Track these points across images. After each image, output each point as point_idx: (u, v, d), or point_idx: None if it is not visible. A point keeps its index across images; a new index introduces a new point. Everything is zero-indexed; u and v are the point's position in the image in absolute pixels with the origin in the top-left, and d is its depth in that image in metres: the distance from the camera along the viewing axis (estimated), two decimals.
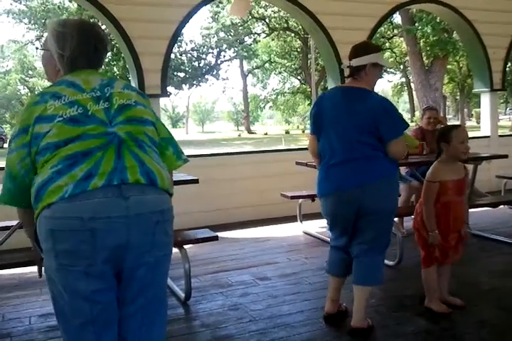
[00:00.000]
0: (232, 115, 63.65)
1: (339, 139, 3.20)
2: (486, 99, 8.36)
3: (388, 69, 40.61)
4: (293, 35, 33.01)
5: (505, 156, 5.72)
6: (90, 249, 1.84)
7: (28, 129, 1.93)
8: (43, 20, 27.89)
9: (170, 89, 31.39)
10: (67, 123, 1.92)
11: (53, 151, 1.90)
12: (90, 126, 1.93)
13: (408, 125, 3.29)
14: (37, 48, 2.03)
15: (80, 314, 1.91)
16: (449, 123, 6.40)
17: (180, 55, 32.95)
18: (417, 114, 32.93)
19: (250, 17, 29.80)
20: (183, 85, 35.11)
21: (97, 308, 1.91)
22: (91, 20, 2.29)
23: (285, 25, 30.83)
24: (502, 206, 5.41)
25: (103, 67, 24.96)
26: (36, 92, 2.04)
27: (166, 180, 2.03)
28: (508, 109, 50.13)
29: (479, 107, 9.95)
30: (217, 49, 35.62)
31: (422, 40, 21.01)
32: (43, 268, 2.00)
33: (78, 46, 2.09)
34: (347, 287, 3.48)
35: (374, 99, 3.22)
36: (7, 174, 2.01)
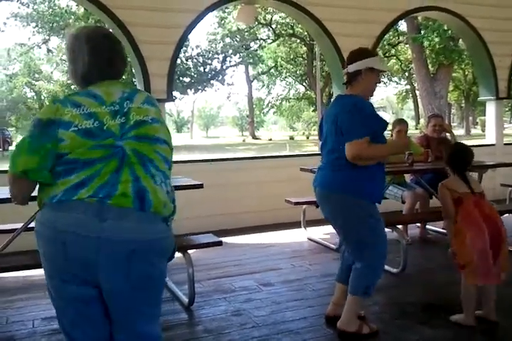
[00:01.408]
0: (236, 120, 63.69)
1: (322, 146, 3.42)
2: (491, 108, 8.35)
3: (393, 78, 40.67)
4: (298, 41, 33.06)
5: (511, 164, 5.71)
6: (63, 259, 1.89)
7: (54, 121, 1.95)
8: (51, 24, 28.01)
9: (175, 93, 31.40)
10: (81, 135, 1.93)
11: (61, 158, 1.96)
12: (101, 139, 1.95)
13: (367, 133, 3.11)
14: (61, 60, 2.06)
15: (66, 314, 2.01)
16: (453, 131, 6.40)
17: (186, 60, 33.01)
18: (422, 121, 32.92)
19: (256, 23, 29.88)
20: (188, 90, 35.16)
21: (80, 310, 1.97)
22: (104, 29, 2.27)
23: (291, 31, 30.88)
24: (507, 214, 5.37)
25: None
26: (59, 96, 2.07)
27: (163, 204, 1.96)
28: None
29: (484, 115, 9.95)
30: (223, 54, 35.67)
31: (427, 48, 21.01)
32: None
33: (90, 60, 2.10)
34: None
35: (344, 101, 3.29)
36: (27, 146, 1.94)
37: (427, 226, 6.12)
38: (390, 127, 6.12)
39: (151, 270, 1.94)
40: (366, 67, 3.26)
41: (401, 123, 6.01)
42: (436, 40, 19.19)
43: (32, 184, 2.00)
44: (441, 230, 5.96)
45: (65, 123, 1.94)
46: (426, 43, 19.78)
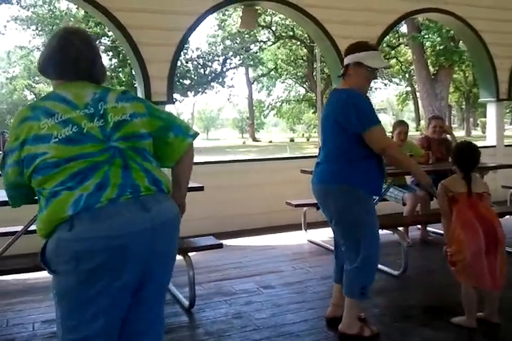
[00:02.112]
0: (237, 122, 63.71)
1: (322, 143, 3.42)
2: (492, 109, 8.35)
3: (393, 79, 40.69)
4: (299, 43, 33.09)
5: (511, 166, 5.71)
6: (120, 264, 1.87)
7: (23, 146, 1.91)
8: (51, 27, 28.02)
9: (175, 96, 31.45)
10: (64, 143, 1.90)
11: (53, 169, 1.89)
12: (88, 144, 1.93)
13: (375, 122, 3.14)
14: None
15: (93, 326, 1.90)
16: (454, 132, 6.39)
17: (186, 62, 33.00)
18: (423, 123, 32.93)
19: (256, 25, 29.90)
20: (189, 92, 35.16)
21: (110, 321, 1.94)
22: (78, 29, 2.24)
23: (291, 33, 30.90)
24: (508, 216, 5.37)
25: (109, 73, 24.84)
26: (27, 105, 1.97)
27: (169, 184, 2.11)
28: None
29: (485, 117, 9.94)
30: (223, 56, 35.68)
31: (428, 49, 21.02)
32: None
33: (55, 56, 2.09)
34: None
35: (338, 96, 3.26)
36: (8, 186, 2.07)
37: (428, 228, 6.11)
38: (390, 129, 6.14)
39: (176, 242, 2.14)
40: (354, 62, 3.25)
41: (401, 124, 6.02)
42: (438, 40, 19.19)
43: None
44: (442, 232, 5.94)
45: (43, 137, 1.90)
46: (428, 43, 19.76)
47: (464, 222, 3.35)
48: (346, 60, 3.31)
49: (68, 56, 2.07)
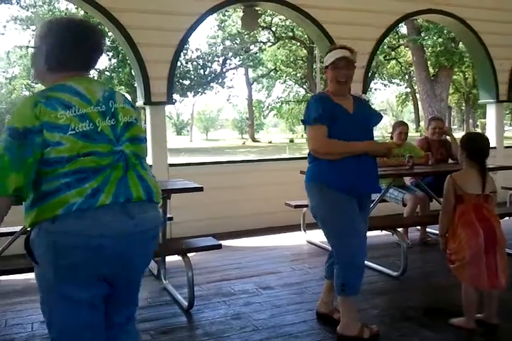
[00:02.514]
0: (236, 123, 63.74)
1: None
2: (491, 111, 8.35)
3: (393, 80, 40.70)
4: (298, 44, 33.10)
5: (511, 167, 5.70)
6: (93, 264, 1.94)
7: (33, 131, 1.86)
8: None
9: (175, 96, 31.44)
10: (80, 138, 1.91)
11: (64, 164, 1.89)
12: (101, 144, 1.95)
13: (310, 121, 3.29)
14: (27, 47, 1.92)
15: (77, 319, 1.99)
16: (454, 134, 6.39)
17: (186, 62, 33.00)
18: (422, 124, 32.93)
19: (258, 26, 29.89)
20: (188, 93, 35.17)
21: (94, 312, 2.02)
22: (83, 20, 2.21)
23: (291, 34, 30.91)
24: (507, 218, 5.37)
25: (109, 73, 24.85)
26: (34, 94, 1.93)
27: (160, 194, 2.18)
28: None
29: (484, 118, 9.94)
30: (223, 57, 35.71)
31: (428, 50, 21.02)
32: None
33: (71, 46, 2.05)
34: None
35: None
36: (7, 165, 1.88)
37: (428, 229, 6.11)
38: (390, 129, 6.15)
39: (152, 250, 2.19)
40: (324, 66, 3.45)
41: (401, 125, 6.03)
42: (439, 40, 19.19)
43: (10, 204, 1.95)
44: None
45: (60, 126, 1.89)
46: (429, 43, 19.73)
47: (465, 222, 3.35)
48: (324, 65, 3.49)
49: (88, 48, 2.09)
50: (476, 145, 3.46)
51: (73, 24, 2.09)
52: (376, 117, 3.52)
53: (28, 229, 2.01)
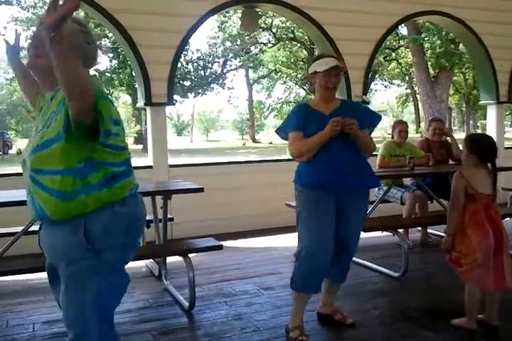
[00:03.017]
0: (237, 124, 63.68)
1: None
2: (492, 112, 8.35)
3: (393, 81, 40.71)
4: (299, 45, 33.10)
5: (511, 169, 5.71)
6: (138, 240, 2.25)
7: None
8: None
9: (175, 97, 31.43)
10: (124, 132, 2.12)
11: (120, 151, 2.07)
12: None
13: (284, 132, 3.52)
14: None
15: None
16: (454, 134, 6.40)
17: (187, 63, 33.00)
18: (423, 125, 32.92)
19: (258, 27, 29.86)
20: (189, 94, 35.17)
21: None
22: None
23: (291, 35, 30.91)
24: (508, 218, 5.37)
25: (109, 74, 24.87)
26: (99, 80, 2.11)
27: None
28: None
29: (485, 119, 9.94)
30: (224, 58, 35.71)
31: (428, 51, 21.02)
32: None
33: (94, 45, 2.16)
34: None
35: None
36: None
37: (429, 230, 6.11)
38: (390, 128, 6.17)
39: None
40: (312, 72, 3.44)
41: (401, 123, 6.07)
42: (438, 42, 19.19)
43: None
44: (443, 234, 5.94)
45: (116, 120, 2.02)
46: (427, 45, 19.76)
47: (476, 223, 3.32)
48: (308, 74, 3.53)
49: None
50: (486, 147, 3.44)
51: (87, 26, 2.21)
52: (366, 119, 3.44)
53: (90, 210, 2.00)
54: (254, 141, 44.67)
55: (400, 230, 5.11)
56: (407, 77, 38.78)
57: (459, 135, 39.92)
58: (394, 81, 41.04)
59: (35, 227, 2.03)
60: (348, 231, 3.37)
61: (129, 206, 2.07)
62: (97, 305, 2.00)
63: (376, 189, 5.83)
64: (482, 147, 3.43)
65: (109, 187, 2.00)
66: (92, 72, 2.25)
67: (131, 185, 2.12)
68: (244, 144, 41.81)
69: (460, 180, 3.35)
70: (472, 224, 3.32)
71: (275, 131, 3.65)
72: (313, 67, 3.41)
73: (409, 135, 6.18)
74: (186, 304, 3.91)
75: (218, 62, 35.73)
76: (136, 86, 6.61)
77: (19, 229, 4.03)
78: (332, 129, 3.22)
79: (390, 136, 6.14)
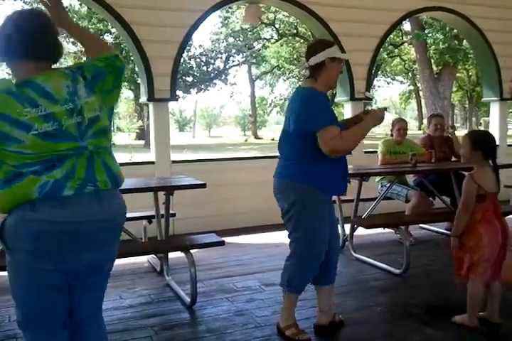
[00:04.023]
0: (239, 120, 63.64)
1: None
2: (495, 108, 8.33)
3: (396, 77, 40.64)
4: (302, 40, 33.04)
5: None
6: (69, 248, 2.06)
7: None
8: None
9: (178, 93, 31.44)
10: (42, 138, 1.96)
11: (24, 156, 1.96)
12: (63, 142, 2.00)
13: (316, 125, 3.11)
14: None
15: (43, 305, 2.13)
16: (457, 132, 6.39)
17: (189, 59, 32.95)
18: (425, 121, 32.84)
19: (259, 22, 29.83)
20: (191, 89, 35.14)
21: (60, 297, 2.14)
22: (34, 10, 2.32)
23: (294, 31, 30.85)
24: (510, 216, 5.36)
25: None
26: (8, 79, 2.10)
27: (123, 177, 2.26)
28: None
29: (488, 116, 9.93)
30: (226, 54, 35.64)
31: (431, 47, 20.96)
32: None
33: (14, 37, 2.07)
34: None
35: (300, 94, 3.28)
36: None
37: (433, 228, 6.12)
38: (389, 126, 6.16)
39: (119, 233, 2.30)
40: (328, 58, 3.21)
41: (400, 121, 6.06)
42: (441, 38, 19.14)
43: None
44: (445, 231, 5.95)
45: (22, 124, 1.93)
46: (430, 41, 19.69)
47: (487, 220, 3.35)
48: (317, 59, 3.22)
49: (29, 35, 2.08)
50: (491, 144, 3.46)
51: (16, 13, 2.17)
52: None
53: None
54: (256, 137, 44.64)
55: (401, 227, 5.11)
56: (410, 74, 38.69)
57: (462, 132, 39.87)
58: (397, 77, 40.94)
59: (17, 222, 2.09)
60: (334, 231, 3.44)
61: (39, 210, 1.98)
62: (15, 294, 2.17)
63: (379, 186, 5.84)
64: (488, 144, 3.43)
65: (10, 186, 1.98)
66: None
67: (36, 184, 1.96)
68: (246, 140, 41.78)
69: (472, 184, 3.35)
70: (484, 222, 3.34)
71: (297, 124, 3.18)
72: (332, 52, 3.22)
73: (412, 132, 6.19)
74: (188, 300, 3.92)
75: (221, 57, 35.65)
76: (138, 81, 6.60)
77: None
78: (378, 122, 3.27)
79: (390, 133, 6.13)
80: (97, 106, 2.12)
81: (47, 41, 2.13)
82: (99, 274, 2.23)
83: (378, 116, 3.31)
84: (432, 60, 21.58)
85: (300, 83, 3.63)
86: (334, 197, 4.80)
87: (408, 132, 6.08)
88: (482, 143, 3.41)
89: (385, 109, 3.36)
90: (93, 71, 2.17)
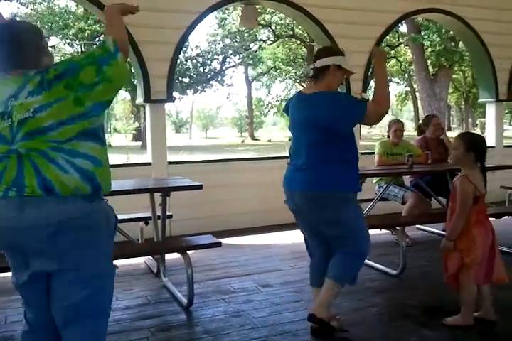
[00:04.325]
0: (236, 121, 63.61)
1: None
2: (491, 110, 8.36)
3: (393, 79, 40.68)
4: (298, 42, 33.07)
5: (510, 167, 5.72)
6: (6, 250, 2.19)
7: None
8: (50, 24, 27.98)
9: (174, 94, 31.41)
10: None
11: None
12: None
13: (362, 106, 3.22)
14: None
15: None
16: (453, 132, 6.40)
17: (186, 60, 32.98)
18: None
19: (257, 23, 29.83)
20: (188, 90, 35.16)
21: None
22: (11, 21, 2.36)
23: (291, 32, 30.88)
24: (506, 217, 5.38)
25: None
26: None
27: (69, 185, 2.05)
28: None
29: (484, 117, 9.95)
30: (223, 55, 35.67)
31: (428, 49, 21.01)
32: None
33: None
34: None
35: (329, 98, 3.27)
36: None
37: (429, 229, 6.13)
38: (386, 127, 6.19)
39: (81, 252, 2.10)
40: (334, 64, 3.28)
41: (396, 122, 6.08)
42: (437, 40, 19.19)
43: None
44: (442, 232, 5.95)
45: None
46: (427, 43, 19.74)
47: (481, 222, 3.38)
48: (323, 62, 3.28)
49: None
50: (484, 147, 3.45)
51: None
52: None
53: None
54: (253, 138, 44.65)
55: (397, 227, 5.12)
56: (406, 75, 38.76)
57: (457, 133, 39.91)
58: (393, 79, 41.00)
59: None
60: None
61: None
62: None
63: (376, 187, 5.85)
64: (480, 146, 3.43)
65: None
66: None
67: None
68: (243, 141, 41.77)
69: (468, 185, 3.33)
70: (478, 224, 3.36)
71: (351, 118, 3.26)
72: (339, 60, 3.30)
73: (409, 133, 6.20)
74: (185, 301, 3.91)
75: (217, 59, 35.69)
76: (135, 83, 6.60)
77: None
78: (384, 55, 3.49)
79: (387, 134, 6.14)
80: (36, 106, 2.01)
81: (7, 51, 2.12)
82: (60, 282, 2.13)
83: (378, 52, 3.46)
84: (428, 62, 21.63)
85: (296, 84, 3.68)
86: None
87: (405, 133, 6.10)
88: (476, 145, 3.41)
89: (378, 47, 3.45)
90: (62, 68, 2.07)
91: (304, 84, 38.51)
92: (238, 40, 34.35)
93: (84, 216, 2.08)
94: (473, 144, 3.39)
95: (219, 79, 36.28)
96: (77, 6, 24.94)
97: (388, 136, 6.02)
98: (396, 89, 46.93)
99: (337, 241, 3.36)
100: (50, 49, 2.29)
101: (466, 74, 36.46)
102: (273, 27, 30.79)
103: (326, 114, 3.19)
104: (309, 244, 3.63)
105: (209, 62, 35.13)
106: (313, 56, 3.45)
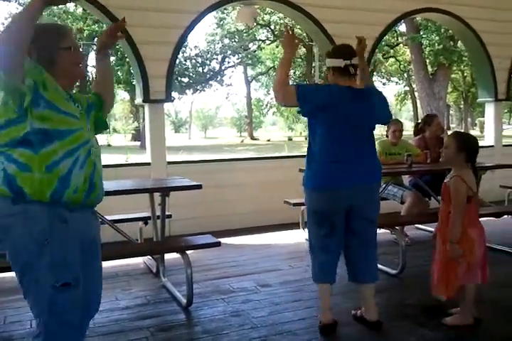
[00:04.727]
0: (235, 121, 63.61)
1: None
2: (490, 109, 8.36)
3: (392, 78, 40.71)
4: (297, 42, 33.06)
5: (509, 166, 5.72)
6: None
7: None
8: None
9: (173, 94, 31.37)
10: None
11: None
12: None
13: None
14: None
15: None
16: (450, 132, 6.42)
17: (185, 60, 32.96)
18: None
19: (255, 23, 29.85)
20: (187, 90, 35.16)
21: None
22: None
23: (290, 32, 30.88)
24: (505, 216, 5.38)
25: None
26: None
27: (33, 190, 2.16)
28: None
29: (483, 116, 9.96)
30: (222, 55, 35.67)
31: (427, 49, 21.02)
32: None
33: None
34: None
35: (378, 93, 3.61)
36: None
37: (426, 227, 6.12)
38: (385, 127, 6.19)
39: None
40: (328, 67, 3.63)
41: (395, 123, 6.06)
42: (436, 39, 19.20)
43: None
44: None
45: None
46: (425, 42, 19.75)
47: (473, 222, 3.38)
48: (355, 60, 3.55)
49: None
50: (476, 148, 3.44)
51: None
52: None
53: None
54: (253, 138, 44.64)
55: (396, 227, 5.12)
56: (405, 75, 38.75)
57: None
58: (392, 78, 41.01)
59: None
60: None
61: None
62: None
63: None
64: (473, 147, 3.42)
65: None
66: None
67: None
68: (242, 141, 41.78)
69: (462, 185, 3.31)
70: (471, 224, 3.36)
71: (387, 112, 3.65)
72: (331, 63, 3.65)
73: (408, 133, 6.20)
74: (184, 301, 3.91)
75: (216, 58, 35.69)
76: (134, 83, 6.59)
77: None
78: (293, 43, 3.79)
79: (386, 134, 6.14)
80: None
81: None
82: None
83: (286, 38, 3.69)
84: (427, 61, 21.64)
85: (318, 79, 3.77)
86: None
87: (404, 133, 6.09)
88: (468, 145, 3.39)
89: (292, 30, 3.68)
90: None
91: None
92: (237, 40, 34.35)
93: (1, 216, 2.23)
94: (466, 145, 3.38)
95: (218, 79, 36.28)
96: (75, 6, 24.90)
97: (387, 136, 6.02)
98: (395, 88, 46.99)
99: (366, 233, 3.60)
100: None
101: (465, 74, 36.46)
102: (272, 27, 30.79)
103: (378, 108, 3.47)
104: (333, 241, 3.45)
105: (208, 62, 35.13)
106: (346, 53, 3.65)
